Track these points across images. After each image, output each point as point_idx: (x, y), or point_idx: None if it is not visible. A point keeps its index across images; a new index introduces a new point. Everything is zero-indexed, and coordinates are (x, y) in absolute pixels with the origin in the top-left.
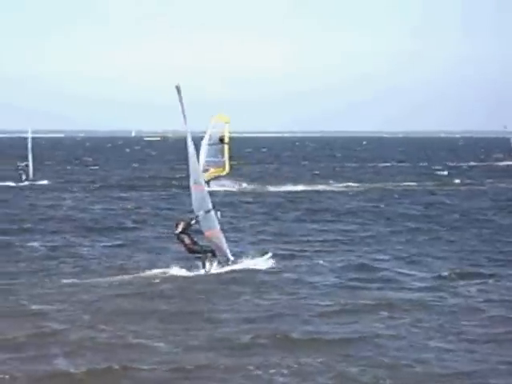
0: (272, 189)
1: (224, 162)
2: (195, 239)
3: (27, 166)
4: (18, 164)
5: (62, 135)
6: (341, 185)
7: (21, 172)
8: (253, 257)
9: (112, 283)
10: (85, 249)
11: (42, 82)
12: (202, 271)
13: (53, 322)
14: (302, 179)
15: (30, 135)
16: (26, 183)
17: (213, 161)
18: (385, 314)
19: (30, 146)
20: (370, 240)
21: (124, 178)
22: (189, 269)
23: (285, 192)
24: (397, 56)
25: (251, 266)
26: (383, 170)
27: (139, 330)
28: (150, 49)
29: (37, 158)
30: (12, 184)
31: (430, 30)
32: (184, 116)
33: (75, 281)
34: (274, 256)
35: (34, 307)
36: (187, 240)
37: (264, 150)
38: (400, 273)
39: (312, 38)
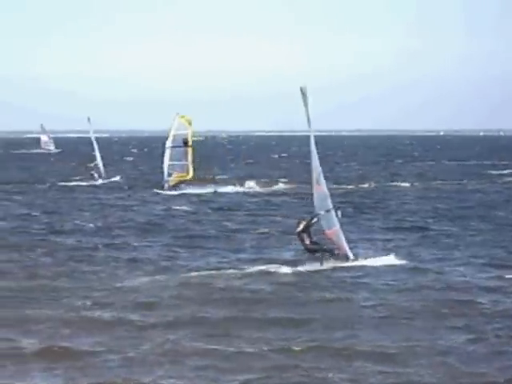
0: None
1: (188, 166)
2: (314, 238)
3: (96, 165)
4: (88, 165)
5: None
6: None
7: (92, 172)
8: (373, 256)
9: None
10: (181, 250)
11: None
12: (319, 267)
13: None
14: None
15: (92, 135)
16: (100, 182)
17: (177, 164)
18: None
19: (96, 145)
20: None
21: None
22: (302, 266)
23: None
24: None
25: (371, 264)
26: (458, 168)
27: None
28: (161, 50)
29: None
30: (83, 183)
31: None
32: (308, 119)
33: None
34: (396, 256)
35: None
36: (307, 239)
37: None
38: None
39: (319, 39)
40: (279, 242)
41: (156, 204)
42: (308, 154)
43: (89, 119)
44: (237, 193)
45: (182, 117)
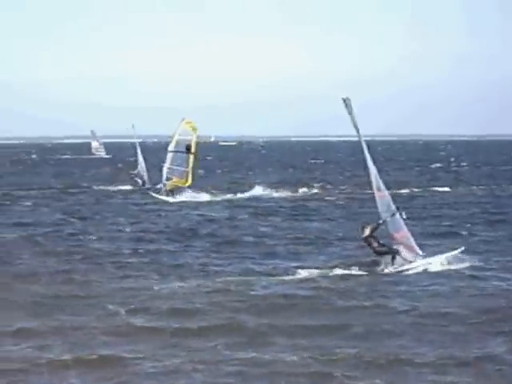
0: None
1: (187, 173)
2: (381, 241)
3: (139, 172)
4: (131, 172)
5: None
6: None
7: (136, 179)
8: (445, 256)
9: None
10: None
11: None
12: (386, 270)
13: None
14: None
15: (136, 140)
16: (143, 188)
17: (177, 170)
18: None
19: (139, 151)
20: None
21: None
22: (340, 271)
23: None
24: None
25: (442, 267)
26: (493, 172)
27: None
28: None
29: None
30: (124, 188)
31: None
32: (356, 127)
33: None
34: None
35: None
36: (375, 243)
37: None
38: None
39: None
40: (316, 248)
41: (193, 209)
42: (343, 161)
43: (133, 126)
44: (271, 198)
45: (188, 122)
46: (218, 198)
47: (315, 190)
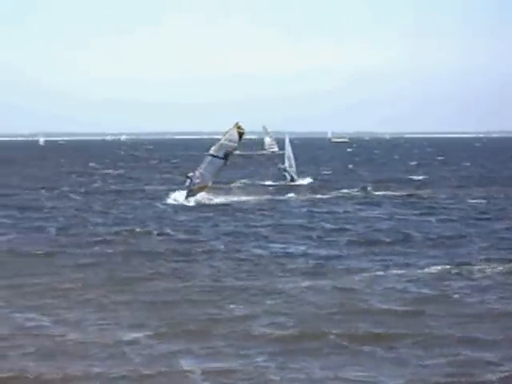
0: None
1: (210, 180)
2: None
3: (286, 167)
4: (279, 166)
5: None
6: None
7: (284, 174)
8: None
9: None
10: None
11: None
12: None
13: None
14: None
15: (286, 136)
16: (291, 183)
17: (206, 175)
18: None
19: (288, 147)
20: None
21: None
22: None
23: None
24: None
25: None
26: None
27: None
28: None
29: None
30: (271, 182)
31: None
32: None
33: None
34: None
35: None
36: None
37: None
38: None
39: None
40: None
41: (336, 205)
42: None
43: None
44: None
45: (239, 127)
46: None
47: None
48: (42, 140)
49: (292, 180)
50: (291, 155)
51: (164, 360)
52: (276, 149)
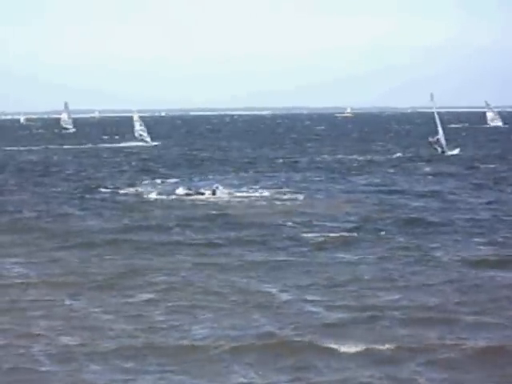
0: None
1: None
2: None
3: (438, 139)
4: (430, 139)
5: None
6: None
7: (435, 146)
8: None
9: None
10: None
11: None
12: None
13: None
14: None
15: (435, 111)
16: (443, 154)
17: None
18: None
19: (438, 121)
20: None
21: None
22: None
23: None
24: None
25: None
26: None
27: None
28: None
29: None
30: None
31: None
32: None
33: None
34: None
35: None
36: None
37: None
38: None
39: None
40: None
41: None
42: None
43: (432, 96)
44: None
45: None
46: None
47: None
48: None
49: (443, 152)
50: (440, 129)
51: None
52: (500, 122)
